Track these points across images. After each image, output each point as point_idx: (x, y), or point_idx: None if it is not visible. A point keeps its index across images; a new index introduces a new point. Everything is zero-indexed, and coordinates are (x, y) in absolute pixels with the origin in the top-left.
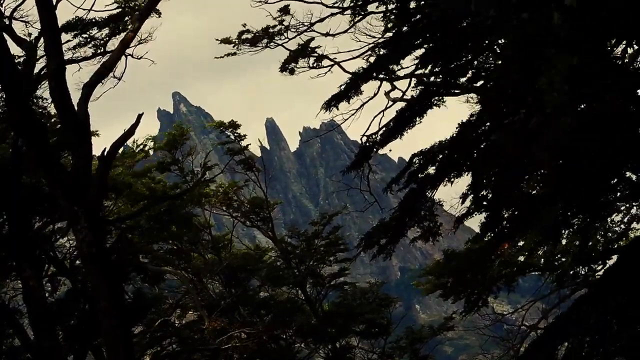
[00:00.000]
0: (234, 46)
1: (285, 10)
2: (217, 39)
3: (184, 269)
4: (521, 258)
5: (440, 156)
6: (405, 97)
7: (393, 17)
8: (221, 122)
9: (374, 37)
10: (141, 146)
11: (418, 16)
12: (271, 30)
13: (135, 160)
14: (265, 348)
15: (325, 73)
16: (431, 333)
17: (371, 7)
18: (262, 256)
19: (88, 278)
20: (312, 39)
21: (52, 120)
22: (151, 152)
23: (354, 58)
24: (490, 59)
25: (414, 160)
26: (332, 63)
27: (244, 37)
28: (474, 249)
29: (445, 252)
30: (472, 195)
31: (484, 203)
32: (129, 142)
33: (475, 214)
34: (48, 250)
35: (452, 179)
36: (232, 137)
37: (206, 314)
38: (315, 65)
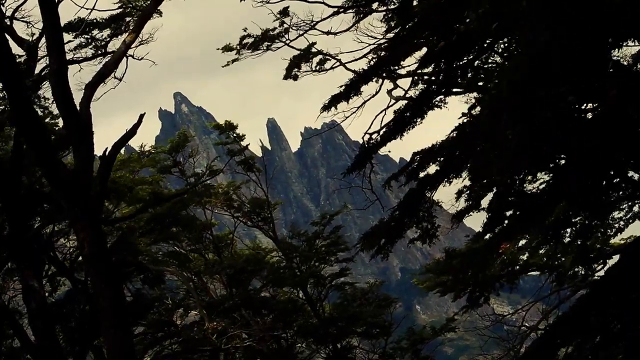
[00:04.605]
0: (236, 53)
1: (284, 13)
2: (218, 49)
3: (185, 269)
4: (523, 257)
5: (440, 156)
6: (407, 95)
7: (394, 16)
8: (219, 125)
9: (375, 36)
10: (147, 152)
11: (418, 16)
12: (272, 33)
13: (141, 166)
14: (267, 348)
15: (327, 71)
16: (432, 334)
17: (373, 7)
18: (264, 257)
19: (89, 278)
20: (314, 43)
21: (53, 120)
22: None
23: (357, 59)
24: (492, 59)
25: (415, 158)
26: (335, 61)
27: (245, 42)
28: (475, 247)
29: (446, 251)
30: (467, 192)
31: (484, 202)
32: (136, 146)
33: (473, 213)
34: (48, 251)
35: (452, 180)
36: (231, 138)
37: (206, 314)
38: (318, 68)
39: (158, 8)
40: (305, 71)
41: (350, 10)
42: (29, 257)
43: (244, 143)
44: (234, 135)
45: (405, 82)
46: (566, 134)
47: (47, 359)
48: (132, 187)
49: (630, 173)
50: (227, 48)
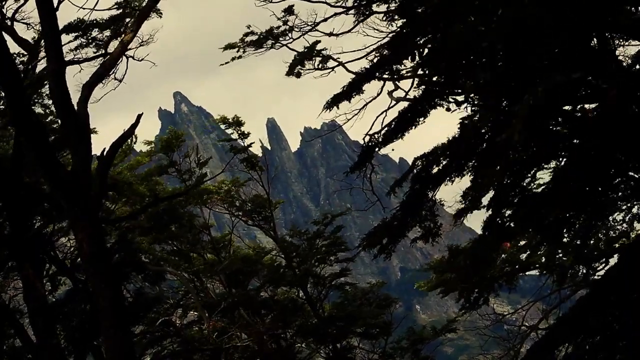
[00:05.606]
0: (238, 50)
1: (289, 11)
2: (220, 48)
3: (184, 269)
4: (522, 256)
5: (442, 157)
6: (408, 96)
7: (395, 16)
8: (224, 118)
9: (379, 35)
10: (133, 145)
11: (421, 16)
12: (276, 31)
13: (137, 162)
14: (266, 348)
15: (329, 73)
16: (433, 334)
17: (375, 7)
18: (262, 257)
19: (88, 278)
20: (318, 41)
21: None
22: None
23: (358, 59)
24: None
25: (417, 163)
26: (337, 63)
27: (248, 39)
28: (477, 246)
29: (450, 248)
30: (472, 193)
31: (485, 202)
32: (135, 146)
33: (474, 212)
34: (48, 250)
35: (454, 179)
36: (236, 134)
37: (206, 314)
38: (320, 66)
39: (157, 8)
40: (308, 69)
41: (352, 12)
42: (29, 256)
43: (248, 141)
44: (239, 131)
45: (406, 84)
46: (566, 134)
47: (48, 358)
48: (131, 183)
49: (631, 173)
50: (229, 46)
